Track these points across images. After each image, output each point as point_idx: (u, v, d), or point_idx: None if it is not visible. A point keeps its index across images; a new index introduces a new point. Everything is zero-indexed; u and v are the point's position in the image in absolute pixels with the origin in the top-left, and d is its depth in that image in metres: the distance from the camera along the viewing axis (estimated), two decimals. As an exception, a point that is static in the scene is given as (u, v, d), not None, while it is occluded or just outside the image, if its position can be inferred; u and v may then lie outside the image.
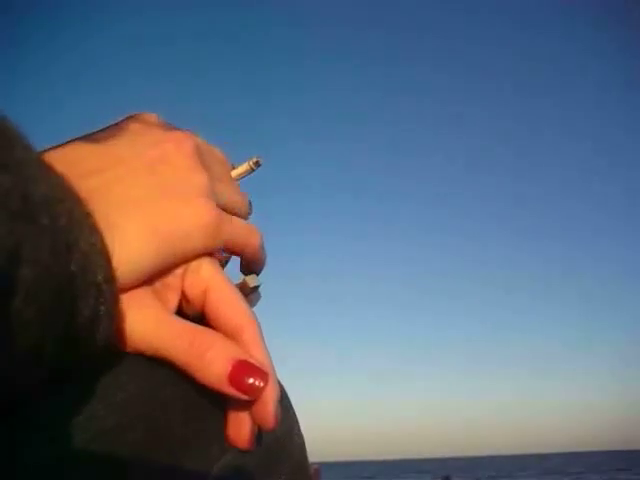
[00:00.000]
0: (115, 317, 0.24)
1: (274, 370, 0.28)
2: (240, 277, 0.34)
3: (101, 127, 0.30)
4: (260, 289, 0.35)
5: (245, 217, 0.34)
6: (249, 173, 0.36)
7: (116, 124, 0.30)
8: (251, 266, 0.35)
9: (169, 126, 0.32)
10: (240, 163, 0.36)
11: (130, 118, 0.31)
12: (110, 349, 0.25)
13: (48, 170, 0.22)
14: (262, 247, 0.34)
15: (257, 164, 0.36)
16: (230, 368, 0.25)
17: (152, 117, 0.32)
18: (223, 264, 0.32)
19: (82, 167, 0.26)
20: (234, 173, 0.36)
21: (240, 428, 0.27)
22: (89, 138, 0.28)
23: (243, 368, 0.25)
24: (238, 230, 0.31)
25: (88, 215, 0.23)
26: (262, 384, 0.26)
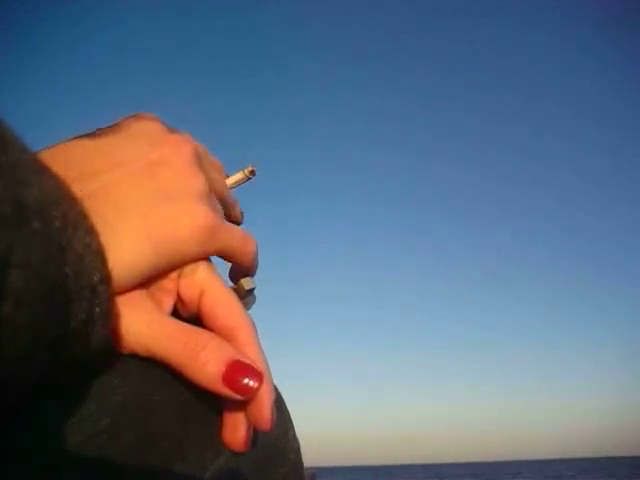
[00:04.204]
0: (110, 318, 0.24)
1: (270, 371, 0.28)
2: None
3: (100, 126, 0.30)
4: (255, 292, 0.35)
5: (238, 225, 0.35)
6: (244, 182, 0.37)
7: (116, 124, 0.30)
8: (243, 274, 0.34)
9: (169, 129, 0.31)
10: (234, 172, 0.36)
11: (130, 118, 0.31)
12: (105, 351, 0.25)
13: (43, 172, 0.21)
14: (256, 256, 0.33)
15: (252, 173, 0.36)
16: (224, 368, 0.25)
17: (152, 118, 0.31)
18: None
19: (80, 169, 0.26)
20: (229, 181, 0.36)
21: (235, 430, 0.27)
22: (88, 138, 0.28)
23: (237, 368, 0.25)
24: (234, 237, 0.31)
25: (84, 217, 0.23)
26: (257, 384, 0.25)
